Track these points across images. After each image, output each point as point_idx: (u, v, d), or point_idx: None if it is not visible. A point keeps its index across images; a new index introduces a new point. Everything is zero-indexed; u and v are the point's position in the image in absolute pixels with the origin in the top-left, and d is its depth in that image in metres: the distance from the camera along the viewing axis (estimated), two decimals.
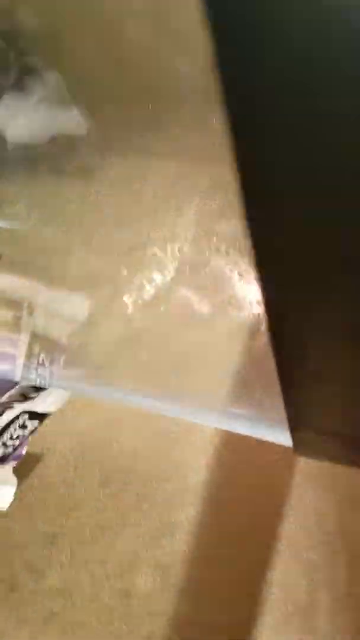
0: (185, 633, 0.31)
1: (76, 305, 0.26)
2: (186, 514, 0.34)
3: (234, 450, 0.35)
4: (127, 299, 0.29)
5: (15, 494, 0.22)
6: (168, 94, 0.28)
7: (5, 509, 0.21)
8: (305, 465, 0.34)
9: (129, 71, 0.28)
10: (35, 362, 0.26)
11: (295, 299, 0.12)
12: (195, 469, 0.35)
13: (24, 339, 0.26)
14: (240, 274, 0.29)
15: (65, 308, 0.26)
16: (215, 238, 0.27)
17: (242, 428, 0.29)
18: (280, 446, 0.35)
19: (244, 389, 0.26)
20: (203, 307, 0.29)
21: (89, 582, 0.33)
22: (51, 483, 0.37)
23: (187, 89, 0.26)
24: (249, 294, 0.28)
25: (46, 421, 0.28)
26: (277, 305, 0.13)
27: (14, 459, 0.24)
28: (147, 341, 0.30)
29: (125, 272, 0.30)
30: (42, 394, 0.29)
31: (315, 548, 0.31)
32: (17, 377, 0.25)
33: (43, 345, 0.26)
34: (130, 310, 0.29)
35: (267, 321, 0.13)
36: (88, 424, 0.39)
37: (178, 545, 0.33)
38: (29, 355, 0.26)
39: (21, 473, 0.38)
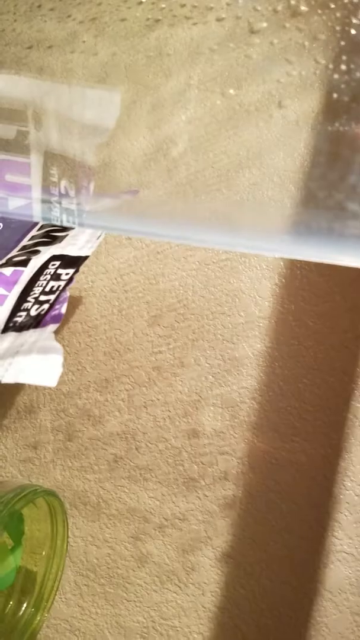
0: (261, 469, 0.29)
1: (98, 106, 0.19)
2: (252, 348, 0.30)
3: (305, 276, 0.30)
4: (162, 96, 0.22)
5: (63, 364, 0.17)
6: None
7: (54, 385, 0.17)
8: None
9: None
10: (57, 192, 0.19)
11: None
12: (259, 299, 0.30)
13: (35, 161, 0.20)
14: (315, 38, 0.20)
15: (84, 111, 0.19)
16: None
17: (316, 253, 0.23)
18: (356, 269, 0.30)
19: (326, 199, 0.19)
20: (255, 94, 0.21)
21: (152, 424, 0.31)
22: (96, 327, 0.33)
23: None
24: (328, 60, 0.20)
25: (82, 266, 0.22)
26: None
27: (53, 320, 0.19)
28: (191, 151, 0.23)
29: (152, 57, 0.22)
30: (71, 232, 0.23)
31: None
32: (36, 215, 0.19)
33: (63, 168, 0.20)
34: (168, 110, 0.22)
35: None
36: (128, 259, 0.33)
37: (246, 381, 0.30)
38: (47, 184, 0.19)
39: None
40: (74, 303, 0.34)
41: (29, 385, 0.34)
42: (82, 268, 0.34)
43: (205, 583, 0.28)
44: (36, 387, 0.34)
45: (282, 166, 0.22)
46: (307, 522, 0.27)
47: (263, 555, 0.28)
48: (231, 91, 0.21)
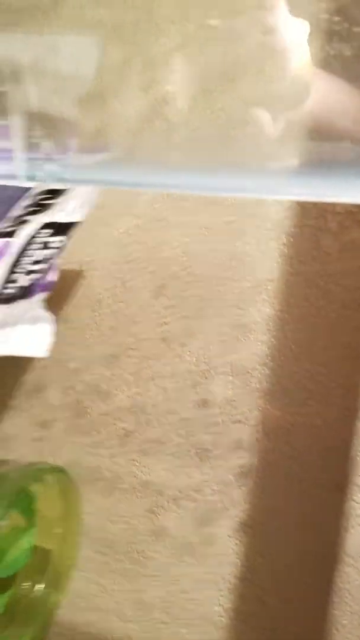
0: (276, 436, 0.28)
1: (76, 55, 0.18)
2: (261, 312, 0.29)
3: (314, 234, 0.29)
4: (154, 54, 0.20)
5: (54, 333, 0.16)
6: None
7: (45, 354, 0.16)
8: None
9: None
10: (40, 154, 0.18)
11: None
12: (267, 261, 0.29)
13: (15, 123, 0.18)
14: None
15: (62, 63, 0.18)
16: None
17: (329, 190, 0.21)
18: None
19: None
20: (252, 44, 0.20)
21: (161, 397, 0.30)
22: (99, 301, 0.32)
23: None
24: None
25: (75, 233, 0.21)
26: None
27: (42, 289, 0.18)
28: (188, 110, 0.21)
29: (141, 14, 0.21)
30: (61, 198, 0.22)
31: None
32: (21, 179, 0.18)
33: (44, 127, 0.18)
34: (160, 69, 0.21)
35: None
36: (128, 229, 0.32)
37: (256, 347, 0.29)
38: (29, 144, 0.18)
39: (63, 294, 0.33)
40: (76, 278, 0.33)
41: (36, 364, 0.34)
42: (82, 241, 0.33)
43: (223, 554, 0.27)
44: (43, 366, 0.33)
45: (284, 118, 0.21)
46: (326, 487, 0.26)
47: (282, 523, 0.27)
48: (226, 43, 0.20)
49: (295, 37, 0.18)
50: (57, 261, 0.19)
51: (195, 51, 0.21)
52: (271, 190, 0.22)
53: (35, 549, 0.27)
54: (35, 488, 0.26)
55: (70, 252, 0.33)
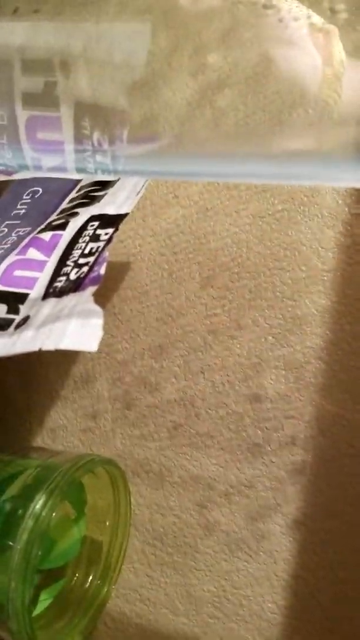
0: (332, 433, 0.27)
1: (127, 40, 0.17)
2: (316, 304, 0.28)
3: None
4: (205, 38, 0.20)
5: (103, 326, 0.16)
6: None
7: (95, 349, 0.16)
8: None
9: None
10: (90, 145, 0.18)
11: None
12: (321, 250, 0.28)
13: (66, 114, 0.18)
14: None
15: (112, 49, 0.17)
16: None
17: None
18: None
19: None
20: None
21: (211, 390, 0.30)
22: (146, 292, 0.32)
23: None
24: None
25: (122, 225, 0.21)
26: None
27: (92, 282, 0.18)
28: (239, 95, 0.20)
29: None
30: (110, 190, 0.21)
31: None
32: (71, 171, 0.18)
33: (94, 117, 0.18)
34: (212, 53, 0.20)
35: None
36: (175, 219, 0.31)
37: (310, 340, 0.28)
38: (79, 136, 0.18)
39: (110, 285, 0.33)
40: (122, 269, 0.33)
41: (84, 355, 0.33)
42: (128, 232, 0.33)
43: (276, 551, 0.27)
44: (91, 357, 0.33)
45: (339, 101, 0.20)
46: None
47: (338, 522, 0.26)
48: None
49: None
50: (106, 254, 0.19)
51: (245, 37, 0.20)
52: (325, 177, 0.21)
53: (85, 541, 0.27)
54: (85, 479, 0.26)
55: (117, 243, 0.33)
